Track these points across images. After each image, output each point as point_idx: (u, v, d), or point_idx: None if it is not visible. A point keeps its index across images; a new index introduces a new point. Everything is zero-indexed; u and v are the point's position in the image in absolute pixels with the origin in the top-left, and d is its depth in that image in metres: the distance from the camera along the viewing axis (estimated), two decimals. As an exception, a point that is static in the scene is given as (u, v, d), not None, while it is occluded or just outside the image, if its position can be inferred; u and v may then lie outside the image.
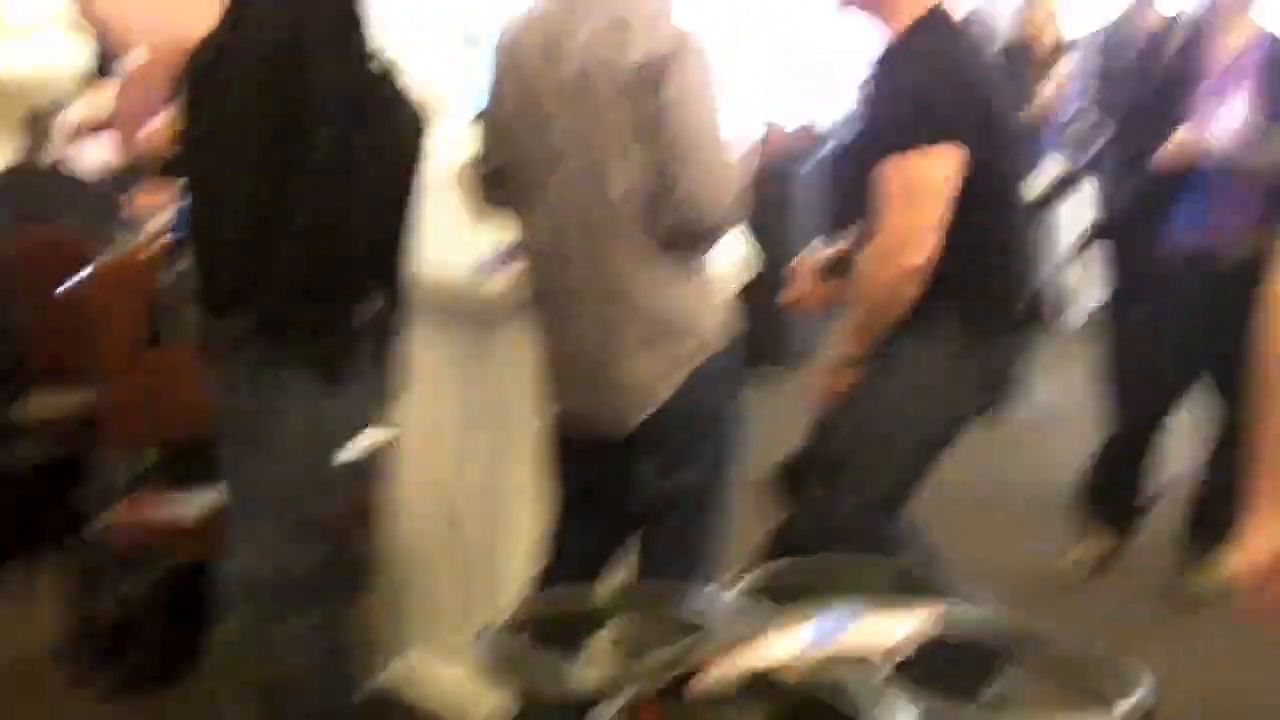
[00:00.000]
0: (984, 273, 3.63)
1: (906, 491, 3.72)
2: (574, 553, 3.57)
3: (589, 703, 1.83)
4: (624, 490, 3.47)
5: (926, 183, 3.47)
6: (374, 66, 3.22)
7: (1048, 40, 7.26)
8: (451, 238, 3.83)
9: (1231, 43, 5.02)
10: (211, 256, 3.23)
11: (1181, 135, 4.98)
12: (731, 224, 3.32)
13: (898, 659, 1.88)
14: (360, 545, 3.97)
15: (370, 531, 4.10)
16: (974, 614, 2.02)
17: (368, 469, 4.06)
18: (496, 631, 2.03)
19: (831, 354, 3.74)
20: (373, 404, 3.52)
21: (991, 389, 3.80)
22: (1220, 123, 4.95)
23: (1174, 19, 5.46)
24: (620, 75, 3.20)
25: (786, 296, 4.02)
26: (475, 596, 4.05)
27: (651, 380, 3.33)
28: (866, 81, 3.72)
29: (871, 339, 3.63)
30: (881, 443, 3.67)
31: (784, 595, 2.03)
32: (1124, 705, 1.83)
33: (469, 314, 3.90)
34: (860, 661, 1.86)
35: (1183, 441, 5.55)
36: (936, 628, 1.95)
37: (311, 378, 3.22)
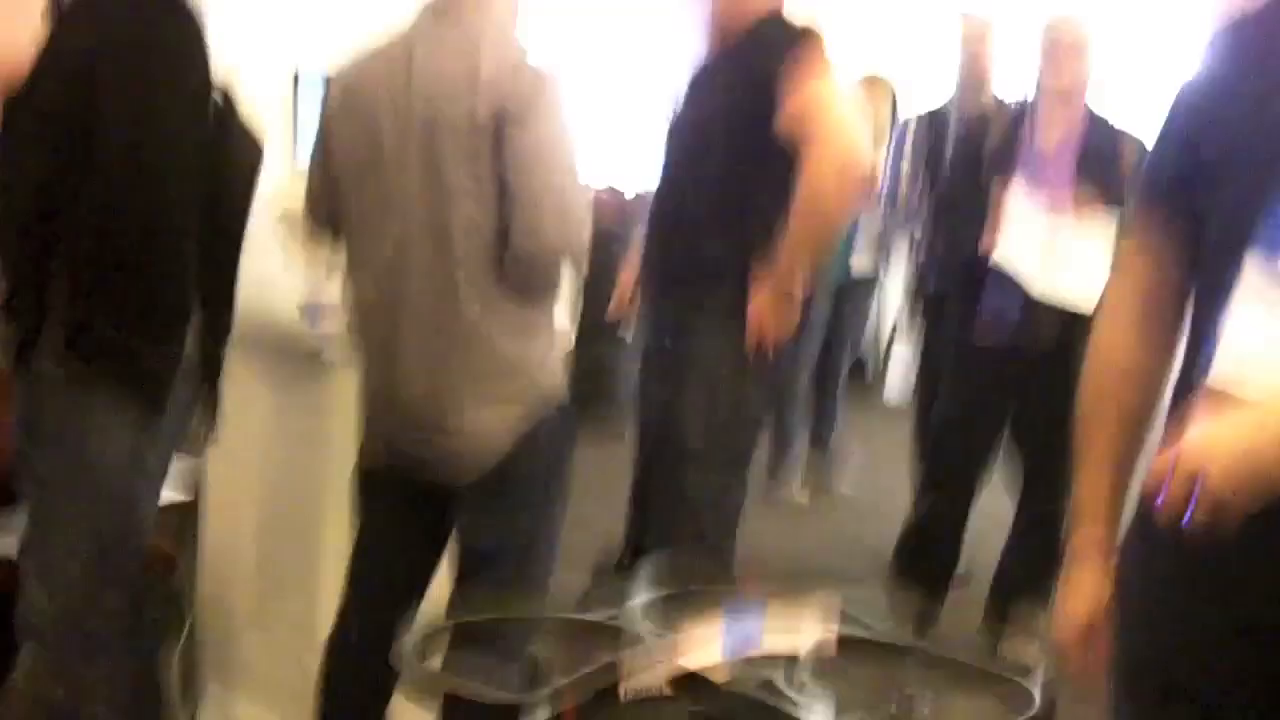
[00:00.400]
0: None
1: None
2: (380, 591, 3.50)
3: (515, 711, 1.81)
4: (443, 535, 3.44)
5: (832, 98, 3.59)
6: (209, 94, 3.16)
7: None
8: (275, 278, 3.77)
9: (1056, 131, 5.12)
10: (15, 269, 3.13)
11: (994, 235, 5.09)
12: (573, 256, 3.28)
13: (816, 657, 1.94)
14: (170, 586, 3.87)
15: (180, 572, 4.00)
16: (869, 634, 2.08)
17: (180, 508, 3.98)
18: (417, 641, 2.01)
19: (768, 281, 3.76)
20: (189, 440, 3.44)
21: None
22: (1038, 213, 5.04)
23: (1001, 103, 5.57)
24: (472, 120, 3.15)
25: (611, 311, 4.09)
26: (290, 639, 3.96)
27: (494, 431, 3.28)
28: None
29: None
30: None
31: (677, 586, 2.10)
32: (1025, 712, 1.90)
33: (291, 354, 3.83)
34: (786, 659, 1.91)
35: (991, 522, 5.65)
36: (840, 626, 2.01)
37: (126, 409, 3.12)
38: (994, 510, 5.65)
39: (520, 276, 3.24)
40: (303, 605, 3.90)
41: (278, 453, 3.97)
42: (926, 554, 5.51)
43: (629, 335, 7.72)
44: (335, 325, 3.76)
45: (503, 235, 3.19)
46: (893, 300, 8.58)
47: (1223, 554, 1.81)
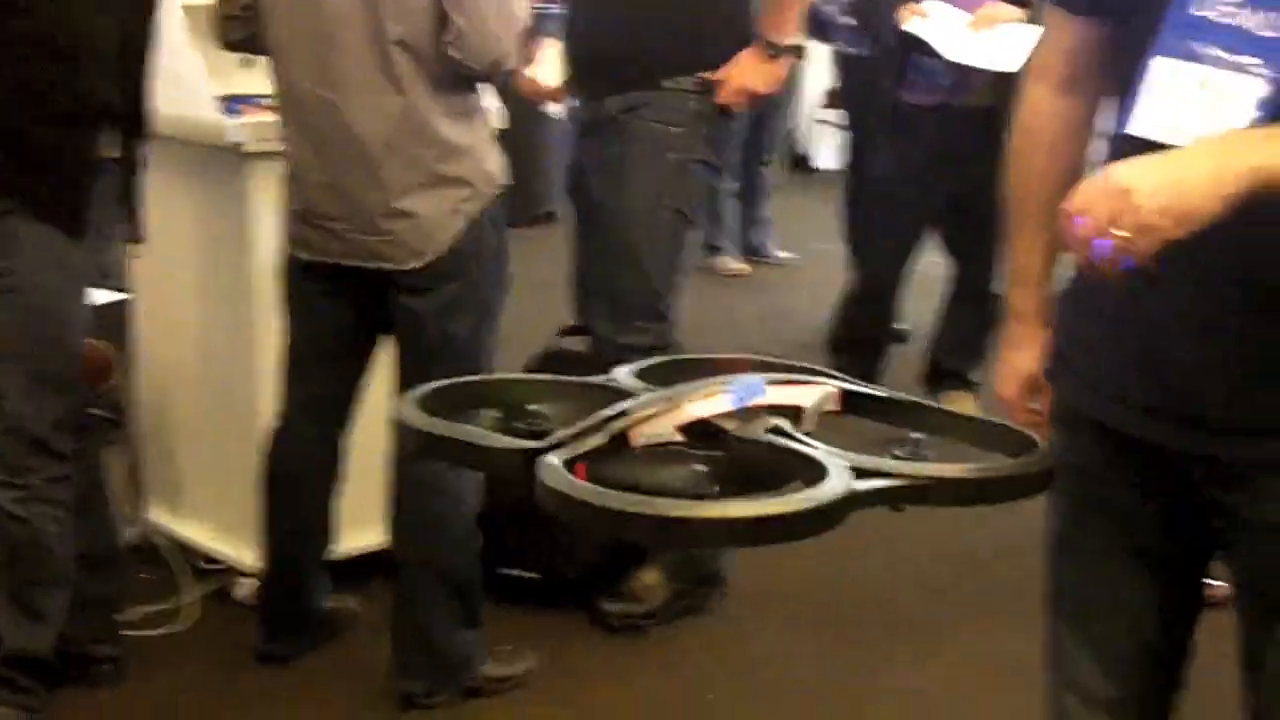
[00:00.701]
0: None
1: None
2: (317, 387, 3.52)
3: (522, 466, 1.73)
4: (375, 329, 3.45)
5: None
6: None
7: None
8: (189, 72, 3.70)
9: None
10: None
11: (912, 5, 5.06)
12: (511, 62, 3.26)
13: (819, 414, 1.95)
14: (106, 396, 3.86)
15: (116, 381, 3.98)
16: (871, 389, 2.09)
17: (112, 316, 3.96)
18: (417, 399, 1.89)
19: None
20: (116, 246, 3.41)
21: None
22: None
23: None
24: None
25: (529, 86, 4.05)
26: (227, 444, 3.97)
27: (441, 215, 3.27)
28: None
29: (801, 19, 3.78)
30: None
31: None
32: (1035, 453, 1.91)
33: (212, 148, 3.78)
34: (793, 410, 1.90)
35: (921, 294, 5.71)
36: (834, 402, 2.01)
37: (51, 213, 3.08)
38: (931, 269, 5.69)
39: (465, 69, 3.22)
40: (240, 400, 3.89)
41: (205, 248, 3.93)
42: (865, 315, 5.56)
43: (554, 111, 7.69)
44: (255, 115, 3.71)
45: (442, 18, 3.16)
46: (819, 69, 8.49)
47: (1139, 288, 1.87)
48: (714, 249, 7.50)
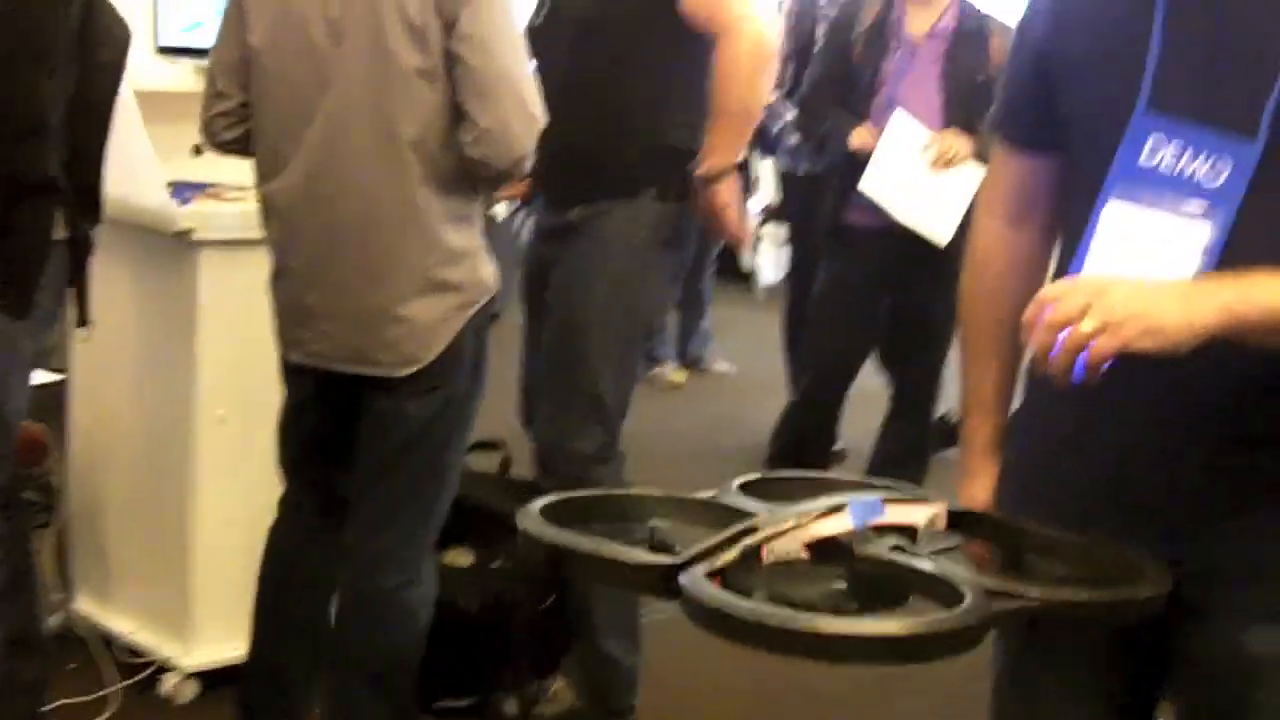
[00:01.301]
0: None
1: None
2: (308, 483, 3.43)
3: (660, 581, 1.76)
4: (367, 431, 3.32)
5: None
6: None
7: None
8: (141, 158, 3.69)
9: (925, 18, 5.12)
10: None
11: (864, 128, 5.11)
12: (531, 161, 3.18)
13: (936, 533, 1.99)
14: (39, 478, 3.83)
15: (49, 464, 3.95)
16: (970, 509, 2.13)
17: (48, 398, 3.92)
18: (541, 510, 1.91)
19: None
20: (59, 329, 3.38)
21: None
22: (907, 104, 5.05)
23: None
24: (410, 9, 3.05)
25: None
26: (160, 536, 3.92)
27: (437, 320, 3.19)
28: None
29: (741, 145, 3.74)
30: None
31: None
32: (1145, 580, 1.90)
33: (160, 235, 3.75)
34: (909, 530, 1.93)
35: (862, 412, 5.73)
36: (942, 521, 2.02)
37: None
38: (870, 388, 5.72)
39: (485, 170, 3.15)
40: (175, 491, 3.85)
41: (149, 334, 3.90)
42: (804, 433, 5.57)
43: (498, 213, 7.70)
44: (204, 203, 3.70)
45: (457, 118, 3.11)
46: (764, 183, 8.57)
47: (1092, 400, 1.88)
48: (653, 359, 7.52)
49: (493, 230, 7.47)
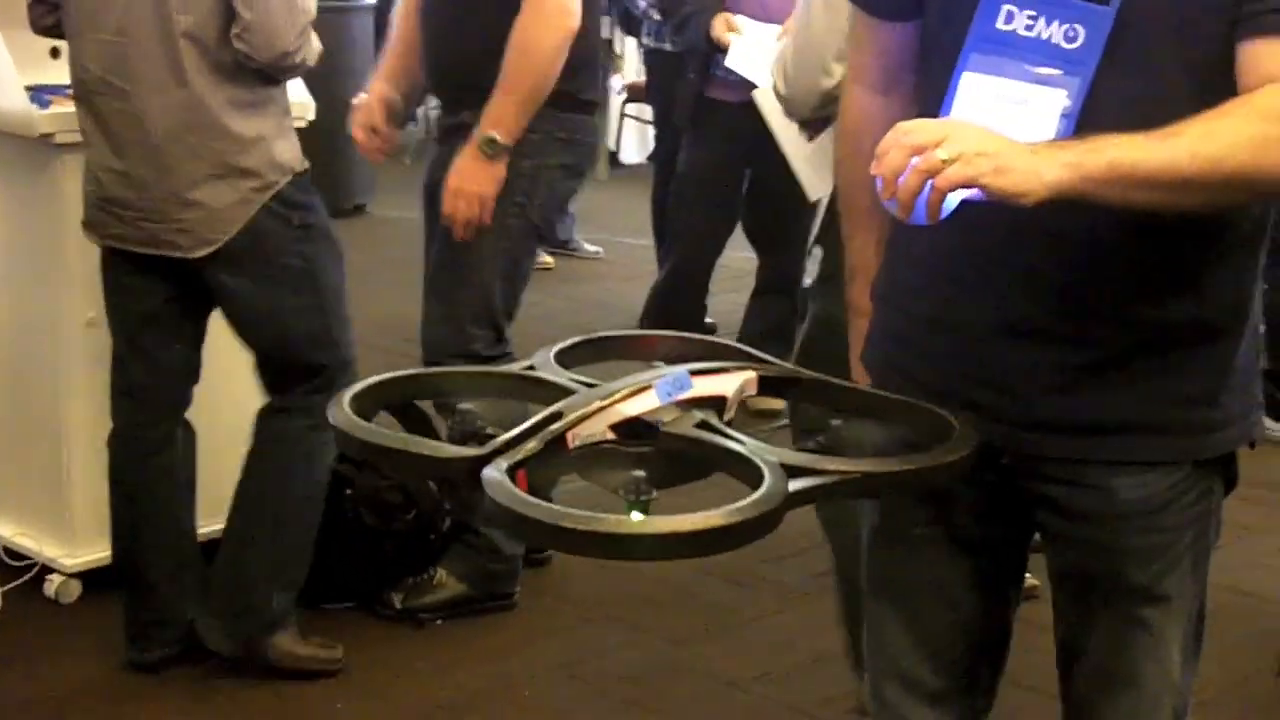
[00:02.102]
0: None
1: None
2: (141, 374, 3.51)
3: (465, 473, 1.77)
4: (204, 303, 3.48)
5: None
6: None
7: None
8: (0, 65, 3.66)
9: None
10: None
11: (723, 17, 5.15)
12: (300, 57, 3.28)
13: (739, 401, 2.01)
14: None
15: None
16: (784, 372, 2.12)
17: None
18: (349, 400, 1.91)
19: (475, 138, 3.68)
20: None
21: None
22: None
23: None
24: None
25: (355, 136, 4.00)
26: (32, 439, 3.92)
27: (228, 204, 3.31)
28: None
29: (528, 118, 3.65)
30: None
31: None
32: (957, 437, 1.93)
33: (21, 139, 3.73)
34: (717, 400, 1.95)
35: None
36: (753, 387, 2.05)
37: None
38: (734, 261, 5.78)
39: (251, 62, 3.25)
40: (46, 394, 3.85)
41: (13, 238, 3.87)
42: (676, 309, 5.63)
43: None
44: (64, 106, 3.67)
45: (230, 11, 3.20)
46: (627, 62, 8.58)
47: (956, 292, 1.98)
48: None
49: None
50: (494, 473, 1.74)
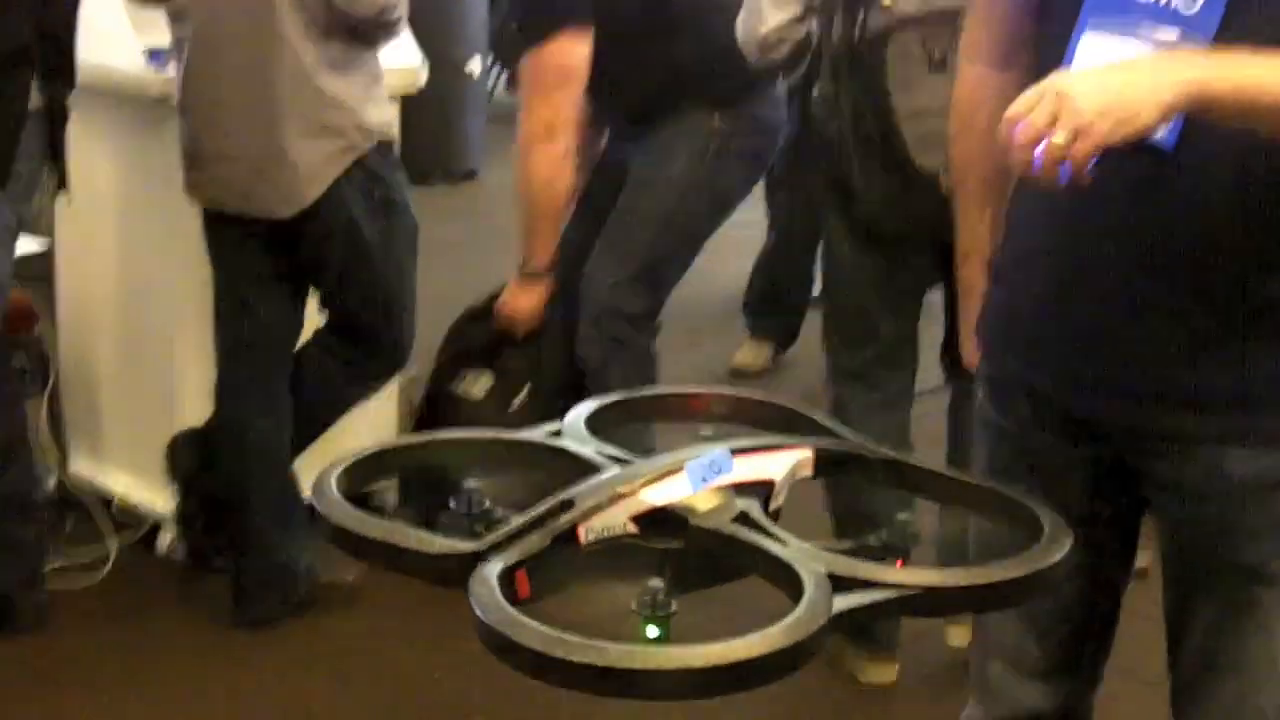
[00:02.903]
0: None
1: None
2: (256, 336, 3.59)
3: (457, 572, 1.54)
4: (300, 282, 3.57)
5: (554, 73, 3.56)
6: None
7: None
8: (115, 24, 3.71)
9: None
10: None
11: None
12: (396, 14, 3.35)
13: (793, 480, 1.79)
14: (29, 346, 3.87)
15: (39, 331, 3.99)
16: (847, 447, 1.89)
17: (35, 267, 3.96)
18: (332, 497, 1.69)
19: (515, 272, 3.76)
20: (41, 197, 3.42)
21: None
22: None
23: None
24: None
25: None
26: (149, 395, 3.99)
27: (316, 162, 3.37)
28: None
29: (550, 238, 3.71)
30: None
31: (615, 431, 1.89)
32: (1043, 542, 1.69)
33: (137, 100, 3.78)
34: (764, 486, 1.73)
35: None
36: (808, 467, 1.83)
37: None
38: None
39: (349, 20, 3.32)
40: (163, 351, 3.91)
41: (128, 199, 3.93)
42: (782, 280, 5.60)
43: (476, 72, 7.66)
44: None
45: None
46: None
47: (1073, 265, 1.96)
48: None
49: (466, 86, 7.54)
50: (484, 577, 1.51)
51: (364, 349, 3.63)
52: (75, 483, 4.10)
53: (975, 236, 2.24)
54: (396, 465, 1.87)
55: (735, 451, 1.73)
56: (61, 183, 3.36)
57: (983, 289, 2.21)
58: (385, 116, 3.49)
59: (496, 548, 1.56)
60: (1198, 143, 1.84)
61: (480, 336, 3.86)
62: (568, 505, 1.62)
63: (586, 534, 1.62)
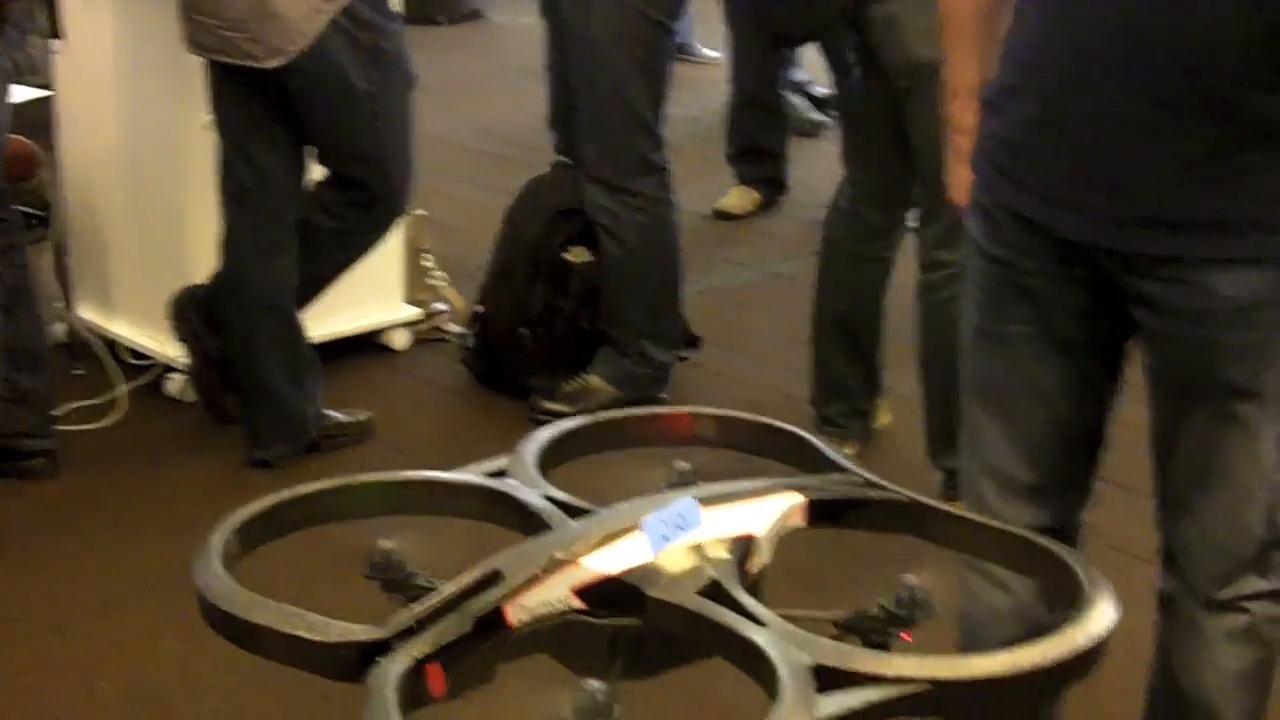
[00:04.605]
0: None
1: None
2: (257, 183, 3.57)
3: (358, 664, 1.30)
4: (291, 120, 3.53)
5: None
6: None
7: None
8: None
9: None
10: None
11: None
12: None
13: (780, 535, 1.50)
14: (32, 192, 3.87)
15: (41, 178, 3.99)
16: (849, 490, 1.58)
17: (35, 114, 3.95)
18: (213, 570, 1.39)
19: None
20: (38, 43, 3.41)
21: None
22: None
23: None
24: None
25: None
26: (155, 241, 3.99)
27: (295, 22, 3.34)
28: None
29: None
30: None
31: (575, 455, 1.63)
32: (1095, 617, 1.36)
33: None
34: (742, 543, 1.43)
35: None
36: (799, 516, 1.53)
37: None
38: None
39: None
40: (167, 196, 3.91)
41: (128, 47, 3.91)
42: (754, 130, 5.60)
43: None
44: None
45: None
46: None
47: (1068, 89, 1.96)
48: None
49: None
50: (383, 677, 1.25)
51: (360, 200, 3.62)
52: (82, 327, 4.12)
53: (963, 73, 2.24)
54: (301, 519, 1.49)
55: (706, 501, 1.43)
56: (54, 28, 3.33)
57: (969, 124, 2.22)
58: None
59: (404, 634, 1.29)
60: None
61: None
62: (494, 578, 1.34)
63: (517, 614, 1.33)
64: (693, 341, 4.19)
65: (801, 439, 1.65)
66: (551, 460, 1.58)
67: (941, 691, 1.25)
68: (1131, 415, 2.23)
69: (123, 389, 3.93)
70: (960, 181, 2.26)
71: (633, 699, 1.28)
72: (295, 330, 3.64)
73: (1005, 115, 2.12)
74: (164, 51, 3.75)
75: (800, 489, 1.51)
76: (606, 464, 1.52)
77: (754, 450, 1.66)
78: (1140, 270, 2.04)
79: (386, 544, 1.42)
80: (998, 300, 2.17)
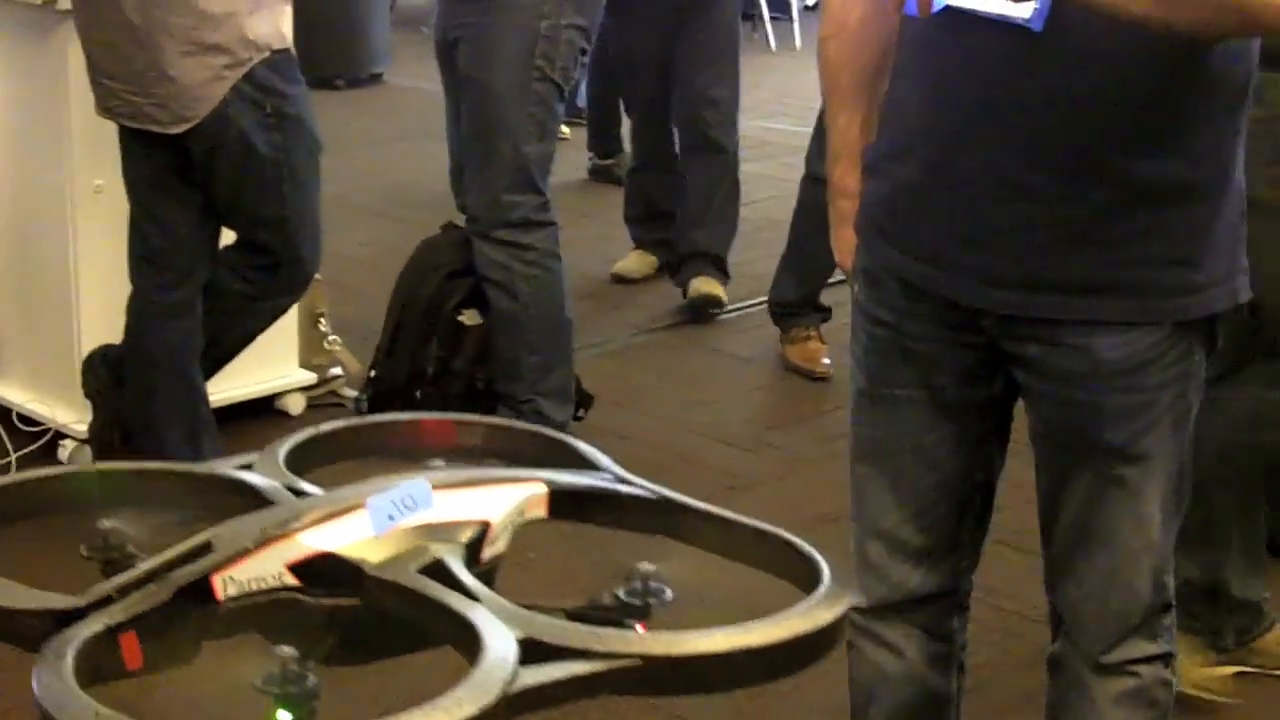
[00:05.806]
0: None
1: None
2: (165, 246, 3.56)
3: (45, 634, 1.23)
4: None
5: None
6: None
7: None
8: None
9: None
10: None
11: None
12: None
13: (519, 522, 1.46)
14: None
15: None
16: (595, 483, 1.56)
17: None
18: None
19: None
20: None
21: None
22: None
23: None
24: None
25: None
26: (44, 307, 3.95)
27: (195, 89, 3.34)
28: None
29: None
30: None
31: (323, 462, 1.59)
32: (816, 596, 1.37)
33: (26, 12, 3.73)
34: (479, 528, 1.40)
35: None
36: (541, 507, 1.50)
37: None
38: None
39: None
40: (57, 261, 3.87)
41: (21, 106, 3.89)
42: (654, 196, 5.56)
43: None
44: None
45: None
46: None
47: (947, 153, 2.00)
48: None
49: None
50: (62, 643, 1.19)
51: (267, 264, 3.59)
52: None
53: (846, 138, 2.26)
54: (23, 508, 1.46)
55: (441, 485, 1.40)
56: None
57: (852, 190, 2.24)
58: (274, 27, 3.42)
59: (100, 604, 1.24)
60: (1066, 26, 1.88)
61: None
62: (203, 549, 1.29)
63: (226, 587, 1.28)
64: (585, 401, 4.20)
65: (564, 444, 1.61)
66: (307, 460, 1.54)
67: (655, 669, 1.23)
68: (1025, 476, 2.25)
69: (13, 455, 3.88)
70: (845, 245, 2.28)
71: (341, 680, 1.24)
72: (196, 393, 3.61)
73: (888, 178, 2.15)
74: (52, 116, 3.74)
75: (547, 481, 1.48)
76: (372, 470, 1.47)
77: (520, 459, 1.59)
78: (1021, 333, 2.06)
79: (106, 523, 1.38)
80: (884, 363, 2.18)
